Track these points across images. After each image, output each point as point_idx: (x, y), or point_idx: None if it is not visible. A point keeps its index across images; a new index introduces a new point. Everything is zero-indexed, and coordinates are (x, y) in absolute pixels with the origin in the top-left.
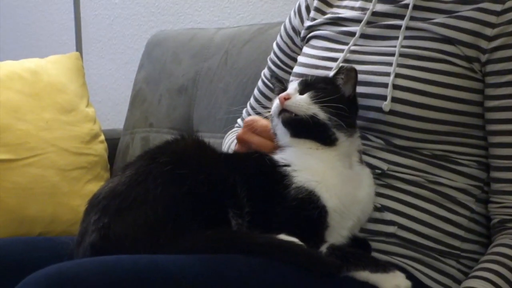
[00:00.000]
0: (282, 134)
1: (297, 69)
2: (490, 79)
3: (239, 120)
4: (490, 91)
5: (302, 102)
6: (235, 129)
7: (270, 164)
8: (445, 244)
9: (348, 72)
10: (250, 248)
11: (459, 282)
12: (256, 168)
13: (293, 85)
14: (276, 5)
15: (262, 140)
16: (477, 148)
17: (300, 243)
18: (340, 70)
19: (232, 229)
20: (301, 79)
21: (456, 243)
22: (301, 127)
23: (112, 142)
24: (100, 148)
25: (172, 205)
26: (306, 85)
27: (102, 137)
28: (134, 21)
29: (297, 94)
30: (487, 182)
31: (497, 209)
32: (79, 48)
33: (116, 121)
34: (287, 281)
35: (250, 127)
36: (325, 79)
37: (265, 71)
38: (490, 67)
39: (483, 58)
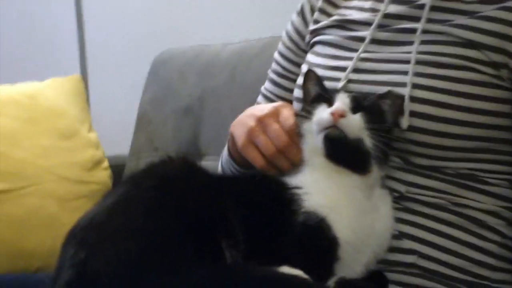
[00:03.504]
0: (314, 151)
1: (300, 80)
2: None
3: None
4: None
5: (356, 124)
6: None
7: (275, 187)
8: (473, 274)
9: (395, 100)
10: (248, 284)
11: None
12: (257, 191)
13: (343, 99)
14: (285, 18)
15: (281, 130)
16: (508, 165)
17: (305, 276)
18: (386, 94)
19: (226, 262)
20: (352, 94)
21: (486, 272)
22: (343, 150)
23: (118, 168)
24: (103, 175)
25: (156, 236)
26: (358, 103)
27: (106, 164)
28: (140, 42)
29: (350, 113)
30: None
31: None
32: (83, 71)
33: (124, 146)
34: None
35: (276, 112)
36: (374, 101)
37: (267, 85)
38: None
39: None
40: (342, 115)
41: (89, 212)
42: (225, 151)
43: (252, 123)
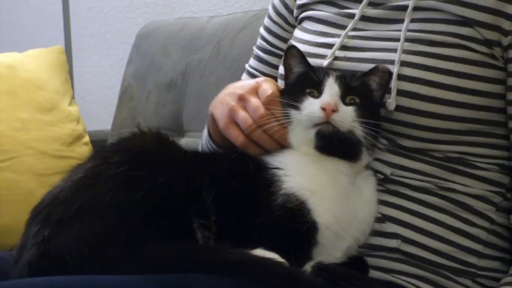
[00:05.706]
0: (304, 142)
1: None
2: None
3: None
4: None
5: (348, 118)
6: None
7: (254, 166)
8: (459, 261)
9: (383, 75)
10: (219, 266)
11: None
12: (233, 170)
13: (332, 88)
14: None
15: (259, 103)
16: (499, 148)
17: (281, 260)
18: (373, 70)
19: (197, 242)
20: (337, 74)
21: (473, 259)
22: (335, 143)
23: (99, 144)
24: (84, 150)
25: (124, 213)
26: (347, 86)
27: (87, 139)
28: (126, 14)
29: (342, 104)
30: (510, 188)
31: None
32: (67, 43)
33: (108, 121)
34: None
35: (256, 87)
36: (362, 81)
37: (251, 62)
38: None
39: (505, 41)
40: (334, 110)
41: (55, 188)
42: (205, 132)
43: (233, 102)
